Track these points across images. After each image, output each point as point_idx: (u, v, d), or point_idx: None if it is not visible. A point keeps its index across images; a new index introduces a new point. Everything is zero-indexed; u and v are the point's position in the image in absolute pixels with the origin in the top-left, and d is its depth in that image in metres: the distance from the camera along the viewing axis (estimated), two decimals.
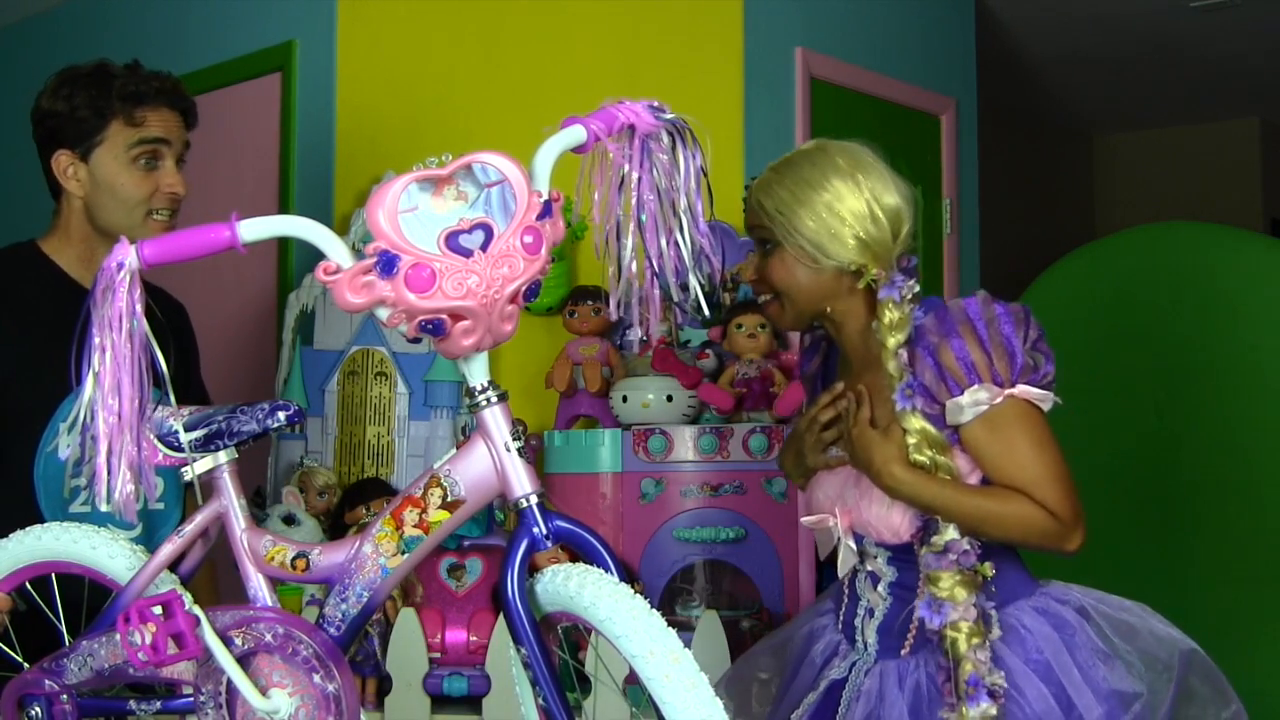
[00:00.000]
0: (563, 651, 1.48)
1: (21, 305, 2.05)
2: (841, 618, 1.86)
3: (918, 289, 1.75)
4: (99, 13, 4.12)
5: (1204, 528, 2.99)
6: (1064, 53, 5.42)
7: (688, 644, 1.30)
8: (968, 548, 1.67)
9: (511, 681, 1.51)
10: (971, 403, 1.67)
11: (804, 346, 2.00)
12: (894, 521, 1.71)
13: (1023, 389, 1.68)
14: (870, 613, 1.80)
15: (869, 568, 1.80)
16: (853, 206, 1.71)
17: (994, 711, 1.62)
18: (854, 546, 1.79)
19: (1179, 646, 1.70)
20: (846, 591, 1.85)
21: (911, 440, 1.68)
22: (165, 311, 2.28)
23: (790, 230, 1.72)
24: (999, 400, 1.67)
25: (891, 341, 1.70)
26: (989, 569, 1.69)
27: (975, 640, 1.65)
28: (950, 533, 1.67)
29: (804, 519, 1.85)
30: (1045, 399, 1.70)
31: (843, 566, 1.81)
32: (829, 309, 1.78)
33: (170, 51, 3.69)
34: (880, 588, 1.78)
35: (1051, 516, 1.66)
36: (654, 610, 1.30)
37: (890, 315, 1.71)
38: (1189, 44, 5.30)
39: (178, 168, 2.11)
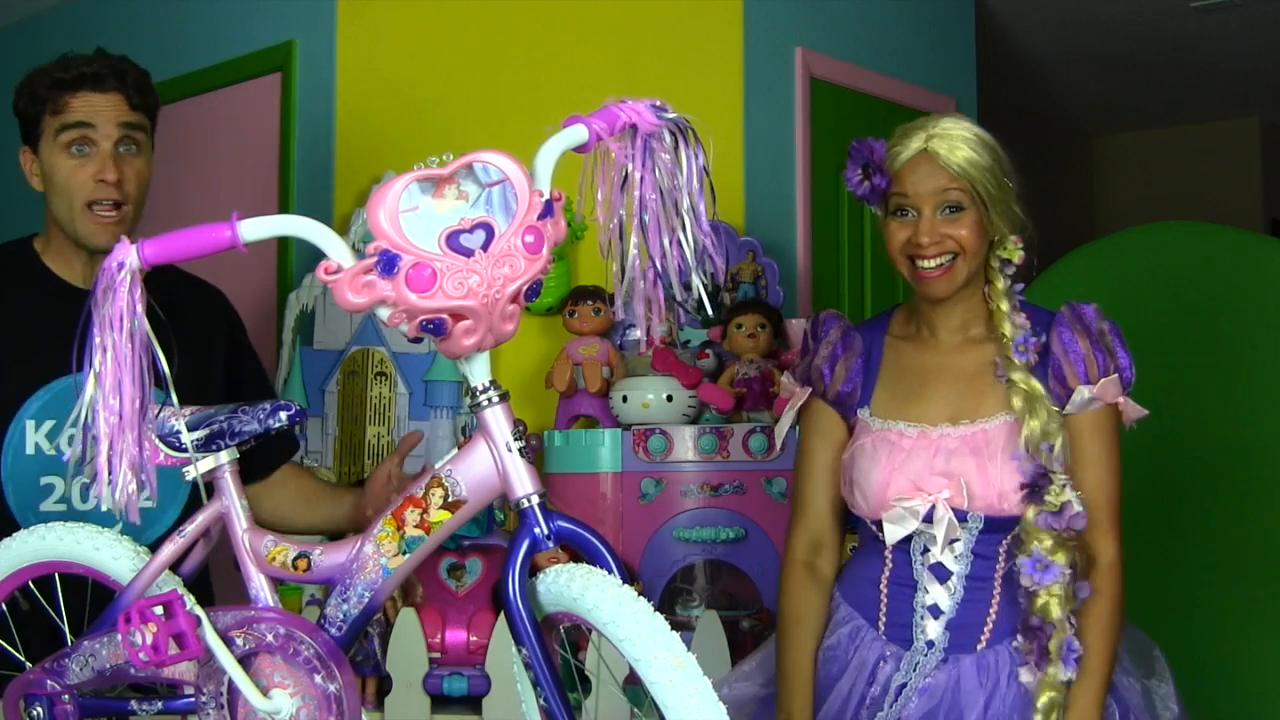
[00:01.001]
0: (564, 650, 1.48)
1: (1, 300, 2.05)
2: (884, 620, 1.82)
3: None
4: (98, 13, 4.12)
5: (1204, 527, 2.98)
6: (1064, 53, 5.42)
7: (687, 644, 1.30)
8: (1079, 509, 1.68)
9: (511, 681, 1.50)
10: (1099, 394, 1.74)
11: (828, 336, 1.93)
12: (1006, 486, 1.73)
13: (1127, 400, 1.77)
14: (934, 610, 1.78)
15: (936, 559, 1.78)
16: (1014, 180, 1.80)
17: (1072, 677, 1.67)
18: (956, 521, 1.76)
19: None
20: (885, 593, 1.83)
21: (1018, 402, 1.72)
22: (203, 301, 2.24)
23: (987, 194, 1.77)
24: (1113, 401, 1.76)
25: (1005, 305, 1.78)
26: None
27: (1069, 605, 1.69)
28: (1066, 493, 1.68)
29: (894, 501, 1.77)
30: (1133, 418, 1.79)
31: (943, 539, 1.77)
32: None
33: (169, 52, 3.69)
34: (952, 582, 1.77)
35: (1113, 578, 1.72)
36: (658, 614, 1.30)
37: (1002, 283, 1.81)
38: (1189, 44, 5.29)
39: (119, 154, 2.01)
